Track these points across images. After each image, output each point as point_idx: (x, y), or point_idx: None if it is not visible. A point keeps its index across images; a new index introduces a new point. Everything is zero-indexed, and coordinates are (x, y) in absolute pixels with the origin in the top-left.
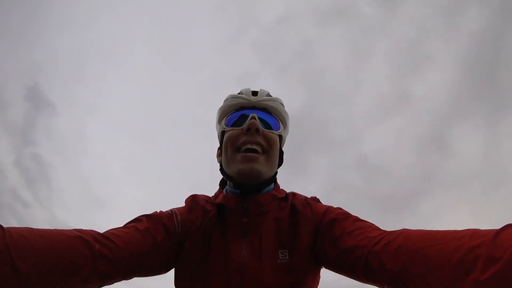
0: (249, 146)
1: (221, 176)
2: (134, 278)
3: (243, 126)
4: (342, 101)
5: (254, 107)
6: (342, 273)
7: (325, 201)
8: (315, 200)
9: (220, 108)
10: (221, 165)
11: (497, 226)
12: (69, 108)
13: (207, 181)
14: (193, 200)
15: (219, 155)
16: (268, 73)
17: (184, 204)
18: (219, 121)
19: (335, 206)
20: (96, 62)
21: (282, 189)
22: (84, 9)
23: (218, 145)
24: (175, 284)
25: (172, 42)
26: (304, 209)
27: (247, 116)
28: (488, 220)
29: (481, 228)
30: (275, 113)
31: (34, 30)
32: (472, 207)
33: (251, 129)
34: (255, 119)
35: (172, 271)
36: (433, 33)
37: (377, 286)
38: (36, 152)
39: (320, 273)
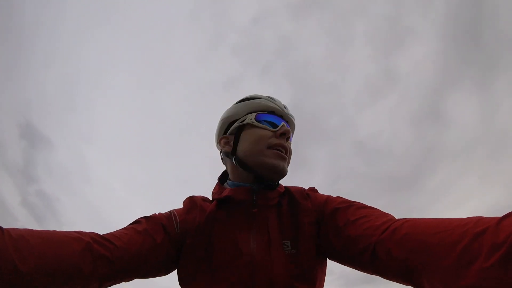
0: (280, 148)
1: (219, 172)
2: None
3: (275, 130)
4: (331, 90)
5: (282, 116)
6: (347, 264)
7: (331, 191)
8: (314, 190)
9: (251, 100)
10: (233, 154)
11: (508, 187)
12: (65, 140)
13: (210, 186)
14: (191, 201)
15: (226, 143)
16: (252, 74)
17: (182, 206)
18: (246, 111)
19: (334, 196)
20: (85, 91)
21: (281, 185)
22: (65, 40)
23: (220, 139)
24: (179, 283)
25: (154, 59)
26: (304, 201)
27: (278, 121)
28: (498, 183)
29: (486, 212)
30: (292, 128)
31: (20, 68)
32: (479, 172)
33: (285, 135)
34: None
35: (174, 273)
36: (410, 6)
37: (383, 277)
38: (40, 189)
39: (327, 265)
